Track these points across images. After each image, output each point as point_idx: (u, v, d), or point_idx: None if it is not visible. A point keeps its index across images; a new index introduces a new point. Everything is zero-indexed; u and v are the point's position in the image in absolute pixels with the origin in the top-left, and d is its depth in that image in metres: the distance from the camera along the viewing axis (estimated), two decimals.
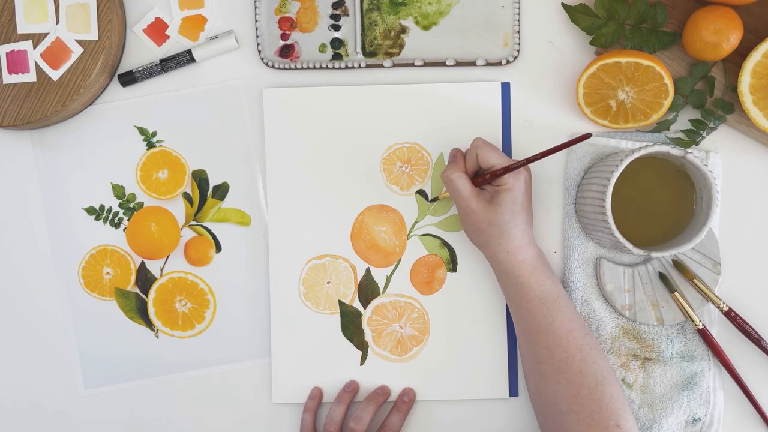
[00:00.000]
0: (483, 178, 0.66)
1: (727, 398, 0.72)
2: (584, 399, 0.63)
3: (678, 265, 0.70)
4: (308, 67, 0.73)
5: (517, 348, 0.72)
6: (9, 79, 0.72)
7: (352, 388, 0.73)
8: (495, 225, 0.64)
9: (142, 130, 0.75)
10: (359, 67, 0.73)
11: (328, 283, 0.74)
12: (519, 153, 0.73)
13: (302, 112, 0.73)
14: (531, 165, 0.70)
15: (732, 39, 0.65)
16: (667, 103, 0.67)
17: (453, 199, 0.67)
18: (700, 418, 0.71)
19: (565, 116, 0.73)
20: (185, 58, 0.73)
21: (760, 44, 0.65)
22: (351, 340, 0.74)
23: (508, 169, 0.64)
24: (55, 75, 0.71)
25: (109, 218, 0.75)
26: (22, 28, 0.72)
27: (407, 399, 0.72)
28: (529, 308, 0.65)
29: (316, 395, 0.73)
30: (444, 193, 0.71)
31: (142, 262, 0.75)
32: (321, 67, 0.73)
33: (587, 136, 0.60)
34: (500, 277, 0.67)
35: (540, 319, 0.65)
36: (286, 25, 0.73)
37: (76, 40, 0.71)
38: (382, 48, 0.73)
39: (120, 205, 0.75)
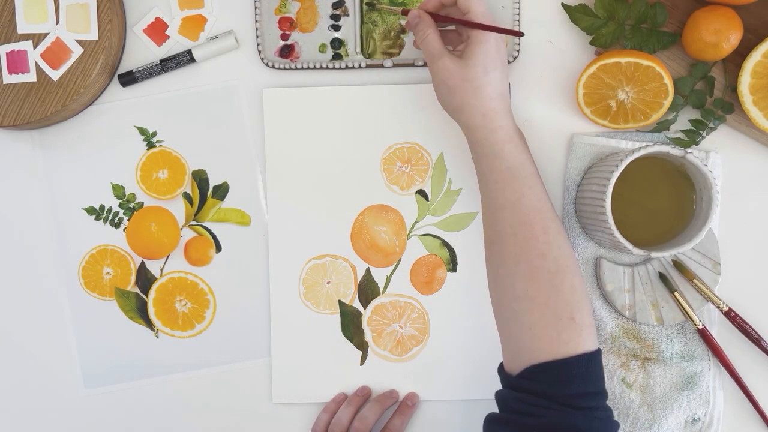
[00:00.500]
0: (448, 17, 0.64)
1: (727, 398, 0.72)
2: (542, 285, 0.59)
3: (678, 265, 0.70)
4: (308, 67, 0.73)
5: None
6: (9, 79, 0.72)
7: (364, 393, 0.73)
8: (468, 80, 0.61)
9: (142, 130, 0.75)
10: (359, 67, 0.73)
11: (328, 283, 0.74)
12: None
13: (302, 112, 0.73)
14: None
15: (732, 39, 0.65)
16: (667, 103, 0.67)
17: (426, 60, 0.64)
18: (699, 418, 0.71)
19: (565, 116, 0.73)
20: (185, 58, 0.73)
21: (760, 44, 0.65)
22: (351, 340, 0.74)
23: (477, 26, 0.61)
24: (55, 75, 0.71)
25: (109, 218, 0.75)
26: (22, 28, 0.72)
27: (410, 404, 0.72)
28: (498, 180, 0.61)
29: (341, 400, 0.73)
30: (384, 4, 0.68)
31: (142, 262, 0.75)
32: (321, 67, 0.73)
33: (520, 34, 0.63)
34: (474, 148, 0.64)
35: (508, 194, 0.61)
36: (286, 25, 0.73)
37: (76, 40, 0.71)
38: (381, 48, 0.73)
39: (120, 205, 0.75)
